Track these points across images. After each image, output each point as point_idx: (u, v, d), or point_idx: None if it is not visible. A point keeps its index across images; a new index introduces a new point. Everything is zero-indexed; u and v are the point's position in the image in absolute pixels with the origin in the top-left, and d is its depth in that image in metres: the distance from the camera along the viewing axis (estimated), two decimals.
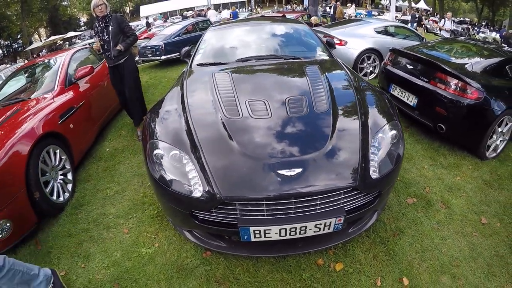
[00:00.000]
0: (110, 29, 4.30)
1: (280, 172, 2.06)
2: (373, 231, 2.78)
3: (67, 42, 33.68)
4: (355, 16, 21.18)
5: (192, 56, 4.04)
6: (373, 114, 2.65)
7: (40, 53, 29.25)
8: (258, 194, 2.01)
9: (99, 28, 4.37)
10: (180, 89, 3.16)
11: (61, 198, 3.48)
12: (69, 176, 3.73)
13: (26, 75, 5.22)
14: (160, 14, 39.31)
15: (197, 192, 2.10)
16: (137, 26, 31.14)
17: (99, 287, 2.51)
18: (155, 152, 2.37)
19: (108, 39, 4.35)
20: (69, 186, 3.70)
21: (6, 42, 43.88)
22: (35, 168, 3.12)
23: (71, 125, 3.93)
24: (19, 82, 5.08)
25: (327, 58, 3.79)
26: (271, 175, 2.07)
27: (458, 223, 2.94)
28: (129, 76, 4.61)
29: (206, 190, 2.08)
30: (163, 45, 9.96)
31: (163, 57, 9.96)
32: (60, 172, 3.62)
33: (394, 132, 2.49)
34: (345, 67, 3.51)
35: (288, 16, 12.60)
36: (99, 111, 5.00)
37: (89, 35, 36.43)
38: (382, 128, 2.49)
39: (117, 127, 5.54)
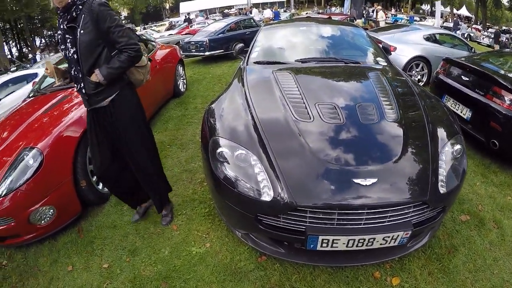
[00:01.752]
0: (78, 36, 2.17)
1: (356, 181, 1.96)
2: (429, 247, 2.65)
3: None
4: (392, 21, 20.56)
5: (247, 54, 3.97)
6: (438, 125, 2.54)
7: None
8: (331, 202, 1.92)
9: (60, 33, 2.29)
10: (241, 85, 3.09)
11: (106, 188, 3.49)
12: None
13: None
14: (200, 11, 39.84)
15: (266, 196, 2.02)
16: (177, 22, 31.64)
17: (145, 284, 2.47)
18: (218, 150, 2.31)
19: (74, 58, 2.24)
20: None
21: (49, 33, 45.85)
22: (83, 157, 3.16)
23: None
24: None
25: (385, 64, 3.67)
26: (346, 184, 1.97)
27: (510, 244, 2.76)
28: (129, 130, 2.55)
29: (277, 194, 2.00)
30: (207, 41, 10.02)
31: (206, 53, 10.02)
32: None
33: (459, 146, 2.39)
34: (405, 74, 3.39)
35: (334, 18, 12.41)
36: (145, 104, 4.94)
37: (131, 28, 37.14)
38: (448, 141, 2.39)
39: (164, 119, 5.57)
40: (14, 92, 6.90)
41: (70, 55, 2.25)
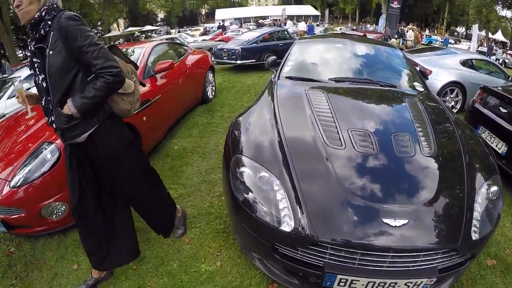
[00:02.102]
0: (47, 58, 1.79)
1: (385, 220, 1.80)
2: None
3: (143, 35, 35.22)
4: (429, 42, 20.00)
5: (279, 67, 3.86)
6: (476, 162, 2.35)
7: (117, 42, 30.78)
8: (355, 240, 1.76)
9: (29, 57, 1.95)
10: (271, 100, 2.97)
11: None
12: None
13: None
14: (235, 19, 40.21)
15: (286, 226, 1.88)
16: (211, 28, 31.99)
17: None
18: (240, 170, 2.19)
19: (43, 86, 1.86)
20: None
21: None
22: None
23: (144, 118, 3.89)
24: None
25: (422, 89, 3.49)
26: (375, 222, 1.81)
27: None
28: (117, 168, 2.19)
29: (298, 225, 1.85)
30: (240, 50, 9.99)
31: (238, 62, 9.99)
32: None
33: (496, 188, 2.18)
34: (442, 102, 3.19)
35: (369, 36, 12.18)
36: (173, 108, 4.99)
37: (165, 30, 37.97)
38: (485, 182, 2.19)
39: (188, 125, 5.52)
40: None
41: (39, 82, 1.87)
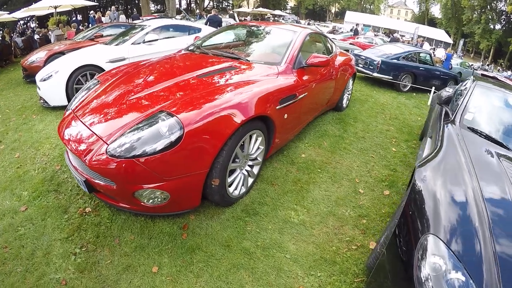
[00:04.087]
0: None
1: None
2: None
3: (272, 18, 35.34)
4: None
5: (457, 109, 3.13)
6: None
7: (245, 18, 31.23)
8: None
9: None
10: (463, 157, 2.31)
11: (236, 192, 2.95)
12: (255, 169, 3.19)
13: (244, 32, 4.85)
14: (365, 26, 38.56)
15: None
16: (340, 28, 30.93)
17: None
18: (431, 260, 1.50)
19: None
20: (250, 181, 3.17)
21: None
22: (230, 151, 2.58)
23: (285, 115, 3.36)
24: (232, 36, 4.81)
25: None
26: None
27: None
28: None
29: None
30: (380, 62, 9.10)
31: (375, 74, 9.09)
32: (250, 163, 3.09)
33: None
34: None
35: None
36: (311, 110, 4.41)
37: (293, 19, 37.71)
38: None
39: (319, 133, 4.90)
40: (173, 38, 6.97)
41: None
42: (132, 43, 6.08)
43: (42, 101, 5.55)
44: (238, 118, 2.55)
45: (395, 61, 9.39)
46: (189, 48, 4.24)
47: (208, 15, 13.03)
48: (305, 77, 3.78)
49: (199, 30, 7.40)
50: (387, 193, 3.48)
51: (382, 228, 2.89)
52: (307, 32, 4.32)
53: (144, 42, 6.14)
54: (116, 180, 2.26)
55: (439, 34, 48.11)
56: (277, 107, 3.09)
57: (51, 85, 5.27)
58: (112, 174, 2.22)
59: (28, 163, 3.72)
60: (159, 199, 2.39)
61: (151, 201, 2.39)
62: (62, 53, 7.63)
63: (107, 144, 2.27)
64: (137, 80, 3.11)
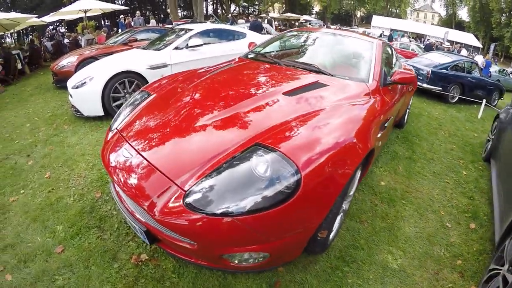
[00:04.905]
0: None
1: None
2: None
3: (297, 23, 34.70)
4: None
5: None
6: None
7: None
8: None
9: None
10: None
11: (331, 235, 2.39)
12: (346, 205, 2.58)
13: (310, 40, 4.05)
14: (392, 30, 37.40)
15: None
16: (369, 33, 30.01)
17: None
18: None
19: None
20: (338, 218, 2.50)
21: (244, 4, 50.07)
22: (343, 195, 2.06)
23: (380, 143, 2.81)
24: (295, 44, 4.12)
25: None
26: None
27: None
28: None
29: None
30: (430, 72, 8.40)
31: (424, 85, 8.33)
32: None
33: None
34: None
35: None
36: (390, 130, 3.86)
37: (319, 24, 36.99)
38: None
39: (388, 154, 4.30)
40: (218, 44, 6.31)
41: None
42: (174, 48, 5.52)
43: (74, 109, 5.04)
44: (357, 154, 2.00)
45: (444, 71, 8.74)
46: (249, 56, 3.66)
47: (251, 21, 12.67)
48: (389, 96, 3.16)
49: (243, 35, 6.75)
50: (473, 226, 3.12)
51: (478, 269, 2.57)
52: (382, 44, 3.67)
53: (187, 47, 5.56)
54: (199, 240, 1.67)
55: (468, 38, 46.36)
56: (377, 135, 2.55)
57: (85, 93, 4.75)
58: (194, 233, 1.62)
59: (61, 187, 3.18)
60: (255, 260, 1.80)
61: (244, 262, 1.80)
62: (94, 57, 7.25)
63: (183, 190, 1.66)
64: (200, 95, 2.54)
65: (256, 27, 10.09)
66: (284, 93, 2.43)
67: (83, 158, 3.72)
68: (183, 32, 6.00)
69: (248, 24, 11.55)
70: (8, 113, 5.94)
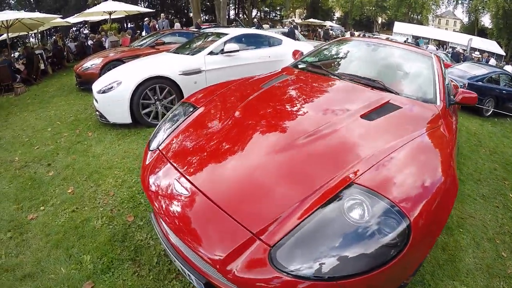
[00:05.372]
0: None
1: None
2: None
3: (319, 29, 34.42)
4: None
5: None
6: None
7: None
8: None
9: None
10: None
11: None
12: None
13: (362, 51, 3.62)
14: (417, 38, 36.78)
15: None
16: (392, 39, 29.50)
17: None
18: None
19: None
20: None
21: (266, 9, 49.95)
22: None
23: None
24: (347, 55, 3.68)
25: None
26: None
27: None
28: None
29: None
30: (467, 84, 8.12)
31: None
32: None
33: None
34: None
35: None
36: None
37: (341, 30, 36.69)
38: None
39: None
40: (254, 50, 5.90)
41: None
42: (208, 53, 5.18)
43: (99, 115, 4.77)
44: (452, 195, 1.64)
45: (480, 83, 8.48)
46: (300, 66, 3.31)
47: (290, 27, 12.64)
48: (453, 118, 2.84)
49: (279, 41, 6.37)
50: None
51: None
52: (438, 56, 3.32)
53: (222, 52, 5.21)
54: None
55: (491, 45, 45.18)
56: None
57: (112, 99, 4.46)
58: None
59: (86, 206, 2.86)
60: None
61: None
62: (119, 60, 7.03)
63: (268, 246, 1.32)
64: (264, 113, 2.18)
65: (289, 33, 9.99)
66: (362, 116, 2.08)
67: (111, 172, 3.40)
68: (216, 36, 5.69)
69: (283, 30, 11.53)
70: (29, 114, 5.76)
